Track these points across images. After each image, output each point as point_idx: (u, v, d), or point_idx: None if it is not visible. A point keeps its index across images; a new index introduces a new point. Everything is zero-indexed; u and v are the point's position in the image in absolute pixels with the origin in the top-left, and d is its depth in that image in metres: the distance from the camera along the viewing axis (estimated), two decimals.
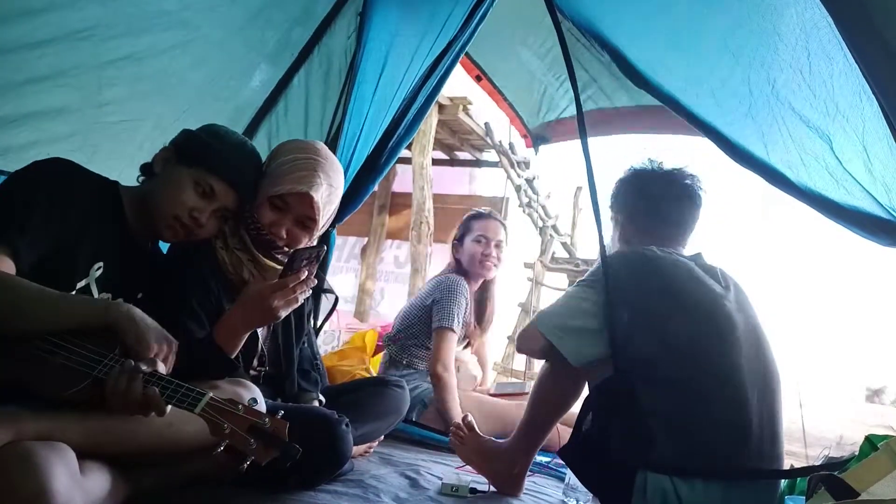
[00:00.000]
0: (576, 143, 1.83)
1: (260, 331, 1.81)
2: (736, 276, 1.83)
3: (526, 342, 1.81)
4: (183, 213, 1.55)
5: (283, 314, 1.60)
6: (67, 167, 1.49)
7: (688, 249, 1.88)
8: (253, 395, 1.54)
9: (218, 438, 1.19)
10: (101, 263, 1.49)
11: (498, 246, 2.90)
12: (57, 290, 1.31)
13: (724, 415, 1.58)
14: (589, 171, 1.80)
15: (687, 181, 1.85)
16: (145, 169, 1.64)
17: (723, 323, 1.65)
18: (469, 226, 2.93)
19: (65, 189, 1.44)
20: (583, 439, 1.68)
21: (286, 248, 1.72)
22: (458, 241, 2.93)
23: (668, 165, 1.88)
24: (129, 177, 1.65)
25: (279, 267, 1.70)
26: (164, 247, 1.77)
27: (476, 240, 2.88)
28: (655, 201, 1.84)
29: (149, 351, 1.27)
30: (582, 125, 1.81)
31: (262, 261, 1.71)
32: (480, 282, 2.94)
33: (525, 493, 1.97)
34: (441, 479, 1.95)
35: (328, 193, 1.72)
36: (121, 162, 1.66)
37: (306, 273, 1.58)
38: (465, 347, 2.98)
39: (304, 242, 1.74)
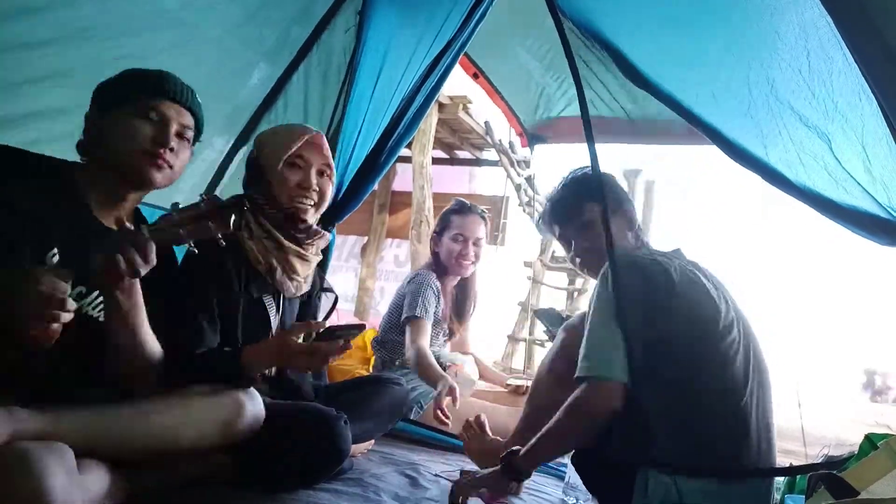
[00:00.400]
0: (574, 145, 1.83)
1: (274, 323, 1.87)
2: (719, 274, 1.83)
3: (601, 401, 1.59)
4: (151, 148, 1.46)
5: (306, 370, 1.70)
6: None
7: (665, 247, 1.88)
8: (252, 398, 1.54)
9: (187, 244, 1.32)
10: (54, 250, 1.38)
11: (476, 244, 2.90)
12: None
13: (724, 413, 1.58)
14: (595, 170, 1.79)
15: (609, 175, 1.93)
16: (83, 145, 1.52)
17: (718, 322, 1.65)
18: (448, 221, 2.91)
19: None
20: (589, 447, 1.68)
21: (310, 227, 1.84)
22: (438, 235, 2.92)
23: (568, 171, 1.97)
24: None
25: (302, 251, 1.83)
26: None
27: (454, 238, 2.87)
28: (612, 198, 1.86)
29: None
30: (587, 123, 1.80)
31: (286, 244, 1.80)
32: (458, 277, 2.95)
33: (525, 492, 1.97)
34: (440, 476, 1.95)
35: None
36: None
37: (341, 344, 1.59)
38: (448, 340, 3.01)
39: (330, 192, 1.89)
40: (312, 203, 1.83)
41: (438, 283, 2.84)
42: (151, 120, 1.47)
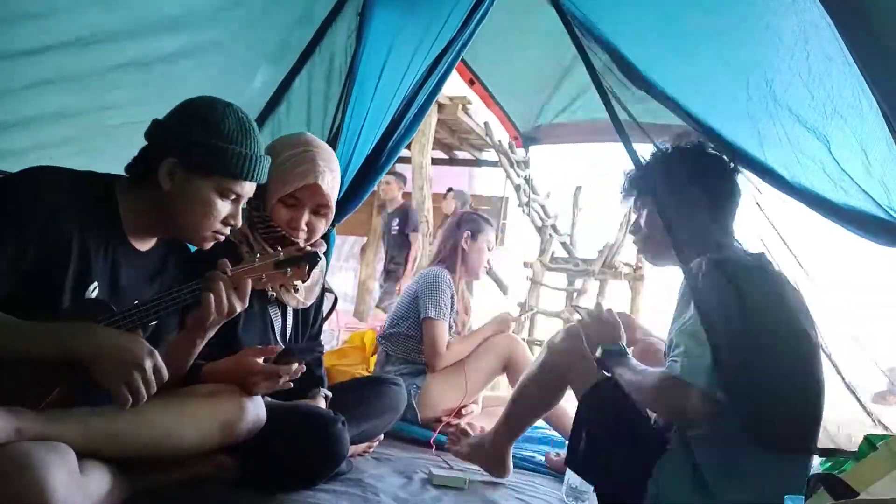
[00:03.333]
0: (569, 145, 1.82)
1: (278, 329, 1.90)
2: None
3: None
4: (220, 226, 1.51)
5: (260, 392, 1.58)
6: (41, 181, 1.37)
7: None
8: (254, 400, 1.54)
9: (265, 288, 1.47)
10: (95, 284, 1.41)
11: None
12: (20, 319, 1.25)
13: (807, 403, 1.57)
14: (635, 162, 1.68)
15: (724, 157, 1.72)
16: (141, 174, 1.49)
17: (806, 324, 1.60)
18: (483, 227, 2.97)
19: (41, 210, 1.33)
20: (590, 452, 1.66)
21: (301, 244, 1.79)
22: (472, 235, 2.93)
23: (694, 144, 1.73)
24: None
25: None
26: None
27: (488, 246, 2.95)
28: (713, 181, 1.67)
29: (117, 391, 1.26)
30: (616, 120, 1.70)
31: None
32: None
33: (525, 493, 1.98)
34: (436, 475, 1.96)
35: (331, 178, 1.83)
36: (123, 164, 1.66)
37: (297, 366, 1.60)
38: (457, 335, 3.02)
39: (322, 229, 1.88)
40: (303, 239, 1.82)
41: (453, 281, 2.87)
42: (228, 199, 1.49)
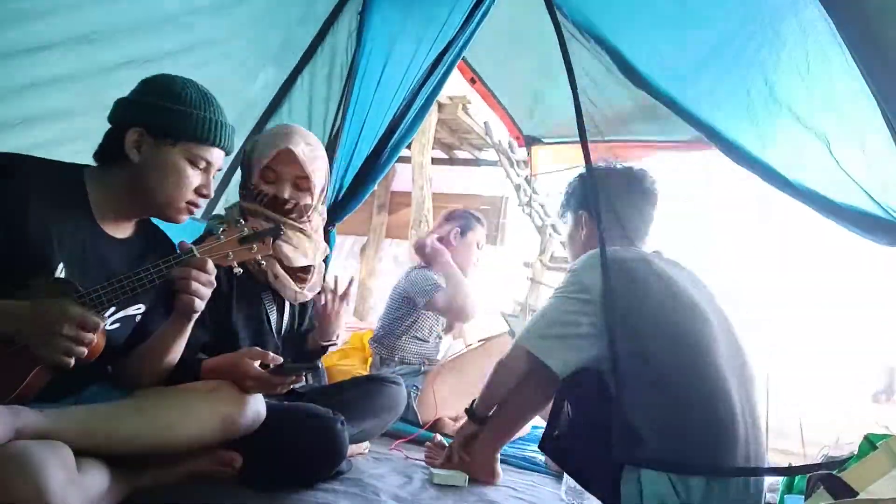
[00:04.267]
0: (571, 145, 1.83)
1: (274, 322, 1.90)
2: (702, 275, 1.88)
3: (510, 365, 1.87)
4: (193, 197, 1.48)
5: (253, 393, 1.58)
6: (3, 167, 1.34)
7: (648, 246, 1.93)
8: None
9: (231, 265, 1.44)
10: (62, 265, 1.36)
11: None
12: None
13: (708, 411, 1.59)
14: (589, 172, 1.81)
15: (644, 180, 1.97)
16: (109, 154, 1.46)
17: (700, 320, 1.68)
18: (474, 225, 3.03)
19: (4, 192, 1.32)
20: (564, 434, 1.72)
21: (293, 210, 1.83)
22: (462, 232, 2.99)
23: (622, 165, 1.98)
24: None
25: (300, 227, 1.83)
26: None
27: (477, 244, 3.00)
28: (617, 198, 1.90)
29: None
30: (581, 127, 1.80)
31: (287, 222, 1.80)
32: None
33: (525, 492, 1.98)
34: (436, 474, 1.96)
35: (309, 150, 1.82)
36: None
37: (292, 379, 1.61)
38: (448, 332, 3.09)
39: (310, 203, 1.86)
40: (289, 213, 1.82)
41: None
42: (199, 167, 1.47)
